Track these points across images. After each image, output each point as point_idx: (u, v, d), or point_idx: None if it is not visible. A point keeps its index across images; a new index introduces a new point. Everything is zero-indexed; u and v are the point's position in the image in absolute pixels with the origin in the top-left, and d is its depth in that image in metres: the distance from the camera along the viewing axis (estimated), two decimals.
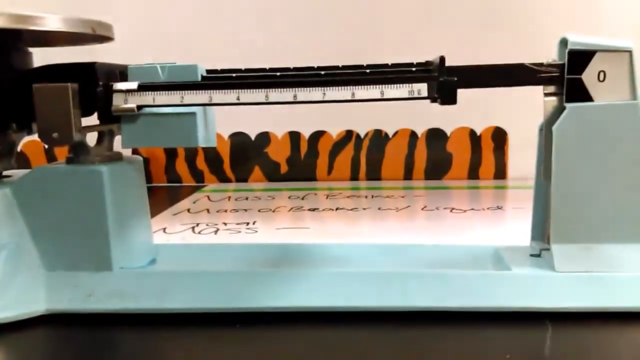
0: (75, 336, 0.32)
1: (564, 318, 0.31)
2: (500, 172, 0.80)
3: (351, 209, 0.61)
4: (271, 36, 0.78)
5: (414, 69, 0.33)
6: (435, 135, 0.80)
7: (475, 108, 0.70)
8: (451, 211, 0.59)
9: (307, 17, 0.78)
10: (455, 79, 0.31)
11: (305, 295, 0.33)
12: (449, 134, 0.80)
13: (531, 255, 0.36)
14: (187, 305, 0.33)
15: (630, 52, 0.32)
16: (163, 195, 0.76)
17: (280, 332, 0.32)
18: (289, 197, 0.69)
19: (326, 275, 0.34)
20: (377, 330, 0.31)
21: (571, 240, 0.33)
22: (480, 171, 0.80)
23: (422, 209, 0.61)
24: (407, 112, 0.77)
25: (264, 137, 0.82)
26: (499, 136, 0.79)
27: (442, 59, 0.32)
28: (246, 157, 0.83)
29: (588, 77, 0.32)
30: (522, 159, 0.77)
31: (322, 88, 0.32)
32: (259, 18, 0.79)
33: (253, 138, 0.83)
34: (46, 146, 0.72)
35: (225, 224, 0.55)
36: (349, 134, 0.81)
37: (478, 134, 0.80)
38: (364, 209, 0.61)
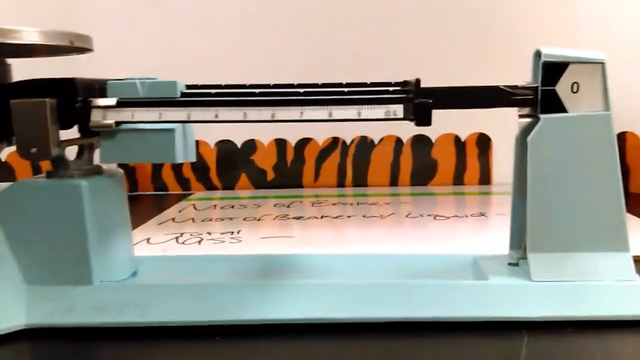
0: (55, 350, 0.32)
1: (540, 327, 0.32)
2: (485, 178, 0.81)
3: (336, 217, 0.62)
4: (253, 50, 0.78)
5: (391, 89, 0.34)
6: (421, 142, 0.81)
7: (460, 115, 0.71)
8: (435, 218, 0.59)
9: (291, 31, 0.79)
10: (431, 101, 0.32)
11: (286, 308, 0.33)
12: (433, 141, 0.81)
13: (509, 264, 0.36)
14: (167, 319, 0.33)
15: (602, 63, 0.33)
16: (149, 204, 0.76)
17: (262, 345, 0.32)
18: (274, 205, 0.69)
19: (306, 287, 0.34)
20: (356, 341, 0.32)
21: (547, 250, 0.33)
22: (465, 177, 0.81)
23: (407, 216, 0.61)
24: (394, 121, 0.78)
25: (250, 145, 0.83)
26: (483, 142, 0.80)
27: (418, 81, 0.32)
28: (232, 164, 0.83)
29: (562, 88, 0.33)
30: (506, 164, 0.78)
31: (300, 107, 0.32)
32: (243, 31, 0.79)
33: (239, 146, 0.83)
34: None
35: (209, 233, 0.56)
36: (335, 140, 0.82)
37: (463, 140, 0.80)
38: (348, 216, 0.62)
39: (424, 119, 0.32)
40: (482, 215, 0.61)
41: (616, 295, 0.32)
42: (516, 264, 0.36)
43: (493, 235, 0.52)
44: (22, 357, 0.32)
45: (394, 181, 0.82)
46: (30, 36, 0.32)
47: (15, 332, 0.33)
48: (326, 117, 0.33)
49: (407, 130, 0.80)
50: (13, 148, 0.36)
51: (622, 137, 0.75)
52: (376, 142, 0.81)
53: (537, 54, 0.34)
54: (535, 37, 0.73)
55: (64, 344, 0.33)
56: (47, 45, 0.34)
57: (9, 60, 0.37)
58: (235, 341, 0.32)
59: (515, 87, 0.33)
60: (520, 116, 0.35)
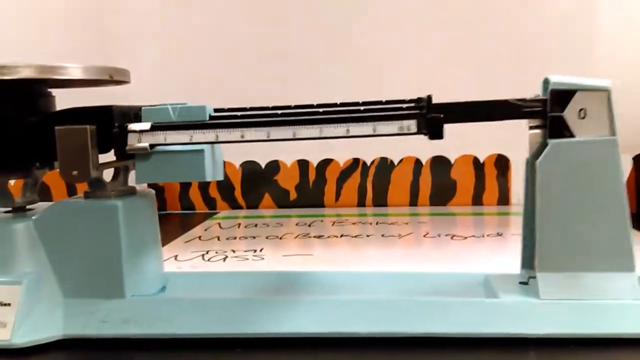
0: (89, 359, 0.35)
1: (547, 344, 0.33)
2: (504, 198, 0.82)
3: (355, 236, 0.63)
4: (278, 75, 0.81)
5: (404, 105, 0.36)
6: (440, 163, 0.82)
7: (478, 136, 0.73)
8: (452, 238, 0.61)
9: (316, 56, 0.81)
10: (442, 115, 0.34)
11: (306, 322, 0.35)
12: (452, 162, 0.82)
13: (520, 282, 0.37)
14: (195, 331, 0.35)
15: (608, 91, 0.34)
16: (176, 223, 0.79)
17: (283, 357, 0.34)
18: (296, 224, 0.72)
19: (324, 303, 0.36)
20: (371, 355, 0.33)
21: (555, 269, 0.34)
22: (484, 197, 0.82)
23: (425, 235, 0.63)
24: (411, 141, 0.80)
25: (274, 166, 0.85)
26: (502, 163, 0.81)
27: (429, 97, 0.34)
28: (257, 184, 0.86)
29: (569, 114, 0.34)
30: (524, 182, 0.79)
31: (319, 125, 0.34)
32: (267, 55, 0.82)
33: (263, 166, 0.85)
34: None
35: (233, 251, 0.58)
36: (355, 161, 0.84)
37: (481, 161, 0.82)
38: (367, 235, 0.64)
39: (436, 133, 0.34)
40: (499, 235, 0.62)
41: (622, 313, 0.33)
42: (526, 283, 0.37)
43: (508, 255, 0.53)
44: None
45: (413, 201, 0.83)
46: (74, 72, 0.35)
47: (53, 342, 0.35)
48: (344, 134, 0.35)
49: (427, 151, 0.82)
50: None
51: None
52: (396, 163, 0.83)
53: (546, 82, 0.35)
54: (549, 54, 0.74)
55: (97, 354, 0.35)
56: (89, 80, 0.37)
57: (53, 91, 0.40)
58: (256, 353, 0.34)
59: (524, 100, 0.35)
60: (530, 127, 0.36)
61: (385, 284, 0.41)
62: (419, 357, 0.33)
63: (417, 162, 0.83)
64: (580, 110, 0.34)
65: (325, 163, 0.84)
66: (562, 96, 0.34)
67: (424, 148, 0.81)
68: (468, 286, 0.39)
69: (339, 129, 0.35)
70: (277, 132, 0.35)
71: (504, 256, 0.54)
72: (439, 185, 0.82)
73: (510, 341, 0.33)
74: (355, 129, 0.35)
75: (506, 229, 0.65)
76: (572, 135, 0.34)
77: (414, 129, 0.34)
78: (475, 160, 0.82)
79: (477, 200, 0.82)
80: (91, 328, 0.36)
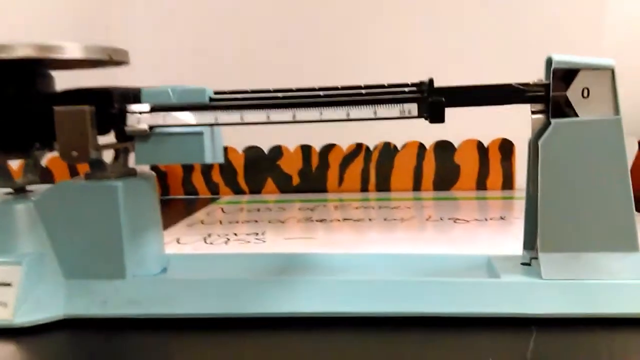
0: (91, 340, 0.35)
1: (549, 324, 0.33)
2: (508, 183, 0.81)
3: (358, 220, 0.63)
4: (280, 53, 0.81)
5: (406, 89, 0.35)
6: (443, 147, 0.82)
7: (482, 120, 0.72)
8: (455, 221, 0.61)
9: (312, 35, 0.81)
10: (443, 99, 0.33)
11: (307, 302, 0.35)
12: (456, 146, 0.82)
13: (522, 263, 0.37)
14: (195, 311, 0.35)
15: (612, 69, 0.34)
16: (179, 207, 0.79)
17: (284, 337, 0.34)
18: (299, 209, 0.71)
19: (326, 283, 0.36)
20: (374, 334, 0.33)
21: (558, 249, 0.34)
22: (488, 182, 0.82)
23: (427, 219, 0.63)
24: (415, 125, 0.79)
25: (277, 151, 0.85)
26: (506, 147, 0.81)
27: (431, 80, 0.34)
28: (259, 169, 0.86)
29: (573, 93, 0.34)
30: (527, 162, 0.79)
31: (319, 108, 0.34)
32: (269, 36, 0.82)
33: (266, 151, 0.85)
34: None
35: (235, 234, 0.58)
36: (358, 146, 0.84)
37: (485, 146, 0.81)
38: (369, 219, 0.63)
39: (437, 117, 0.34)
40: (502, 219, 0.61)
41: (625, 293, 0.33)
42: (529, 264, 0.37)
43: (511, 238, 0.53)
44: (61, 345, 0.35)
45: (417, 186, 0.83)
46: (73, 52, 0.35)
47: (54, 322, 0.36)
48: (344, 117, 0.34)
49: (430, 135, 0.81)
50: (53, 154, 0.39)
51: None
52: (399, 147, 0.83)
53: (549, 61, 0.35)
54: (553, 39, 0.74)
55: (99, 334, 0.35)
56: (88, 60, 0.36)
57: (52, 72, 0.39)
58: (261, 333, 0.34)
59: (527, 84, 0.34)
60: (533, 112, 0.36)
61: (387, 265, 0.40)
62: (421, 337, 0.33)
63: (421, 147, 0.82)
64: (584, 89, 0.34)
65: (328, 148, 0.84)
66: (565, 75, 0.34)
67: (427, 132, 0.81)
68: (470, 267, 0.39)
69: (339, 112, 0.34)
70: (276, 114, 0.35)
71: (506, 239, 0.54)
72: (443, 170, 0.82)
73: (512, 321, 0.33)
74: (356, 112, 0.34)
75: (509, 213, 0.65)
76: (575, 115, 0.34)
77: (414, 112, 0.34)
78: (480, 144, 0.81)
79: (481, 184, 0.82)
80: (92, 308, 0.36)
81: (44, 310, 0.35)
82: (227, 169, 0.86)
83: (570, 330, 0.32)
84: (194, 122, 0.35)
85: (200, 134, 0.36)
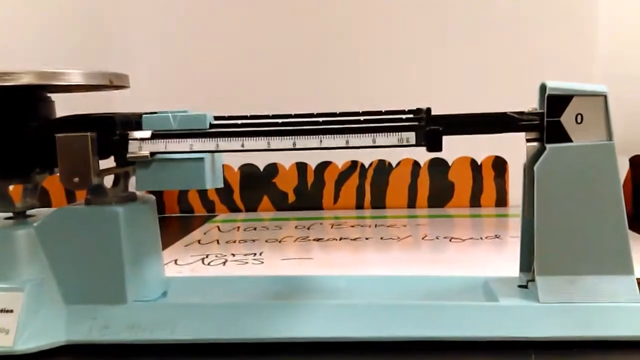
0: None
1: (547, 347, 0.33)
2: (502, 200, 0.82)
3: (355, 239, 0.64)
4: (280, 83, 0.81)
5: (404, 116, 0.36)
6: (437, 165, 0.83)
7: (476, 138, 0.73)
8: (450, 240, 0.61)
9: (310, 59, 0.82)
10: (441, 128, 0.34)
11: (308, 327, 0.35)
12: (450, 164, 0.83)
13: (519, 286, 0.38)
14: (196, 337, 0.36)
15: (605, 96, 0.35)
16: (175, 226, 0.79)
17: None
18: (295, 227, 0.72)
19: (325, 307, 0.36)
20: (372, 359, 0.34)
21: (555, 273, 0.35)
22: (482, 199, 0.82)
23: (423, 238, 0.63)
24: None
25: (272, 168, 0.85)
26: (499, 165, 0.82)
27: (429, 110, 0.35)
28: (255, 187, 0.86)
29: (566, 119, 0.35)
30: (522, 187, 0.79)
31: (319, 136, 0.35)
32: (268, 63, 0.82)
33: (262, 169, 0.86)
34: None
35: (233, 254, 0.58)
36: (354, 164, 0.84)
37: (479, 163, 0.82)
38: (366, 238, 0.64)
39: (434, 146, 0.35)
40: (497, 237, 0.62)
41: (621, 316, 0.33)
42: (525, 286, 0.37)
43: (507, 258, 0.54)
44: None
45: (411, 203, 0.84)
46: (75, 78, 0.35)
47: (56, 348, 0.36)
48: (343, 145, 0.35)
49: (424, 153, 0.81)
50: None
51: (636, 160, 0.76)
52: (394, 165, 0.83)
53: (543, 87, 0.36)
54: (548, 64, 0.75)
55: (100, 359, 0.35)
56: (89, 85, 0.37)
57: (52, 96, 0.40)
58: (259, 358, 0.34)
59: (522, 113, 0.35)
60: (528, 140, 0.37)
61: (385, 287, 0.41)
62: None
63: (415, 164, 0.83)
64: (577, 115, 0.35)
65: (324, 165, 0.85)
66: (559, 101, 0.35)
67: (421, 150, 0.81)
68: (467, 290, 0.39)
69: (339, 140, 0.35)
70: (277, 142, 0.35)
71: (502, 259, 0.54)
72: (437, 187, 0.83)
73: (510, 345, 0.34)
74: (355, 140, 0.35)
75: (504, 231, 0.66)
76: (569, 140, 0.35)
77: (412, 140, 0.35)
78: (473, 162, 0.82)
79: (475, 202, 0.82)
80: (94, 334, 0.36)
81: (46, 337, 0.35)
82: (222, 187, 0.86)
83: (568, 354, 0.33)
84: (195, 149, 0.36)
85: (201, 159, 0.36)
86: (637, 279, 0.34)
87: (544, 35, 0.77)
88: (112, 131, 0.36)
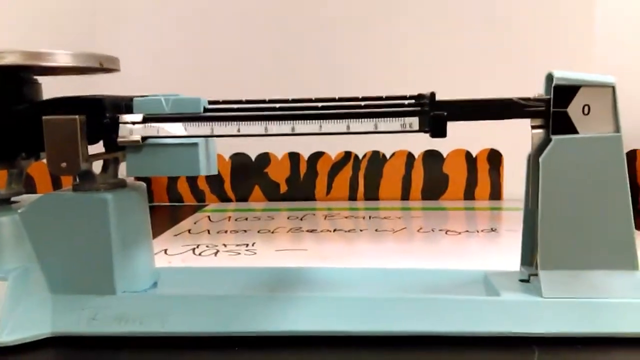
0: (80, 358, 0.34)
1: (551, 343, 0.32)
2: (496, 193, 0.81)
3: (348, 231, 0.63)
4: (275, 64, 0.80)
5: (406, 102, 0.35)
6: (432, 157, 0.82)
7: (471, 130, 0.72)
8: (446, 233, 0.60)
9: (307, 43, 0.80)
10: (445, 113, 0.33)
11: (301, 320, 0.34)
12: (445, 156, 0.82)
13: (520, 280, 0.37)
14: (187, 329, 0.34)
15: (613, 87, 0.34)
16: (165, 215, 0.78)
17: (278, 356, 0.33)
18: (288, 218, 0.71)
19: (320, 300, 0.35)
20: (368, 354, 0.33)
21: (558, 267, 0.34)
22: (476, 192, 0.82)
23: (418, 230, 0.62)
24: (404, 134, 0.79)
25: (264, 158, 0.84)
26: (494, 158, 0.81)
27: (433, 94, 0.33)
28: (246, 177, 0.85)
29: (573, 110, 0.34)
30: (517, 180, 0.79)
31: (319, 121, 0.33)
32: (263, 44, 0.81)
33: (253, 158, 0.84)
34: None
35: (225, 245, 0.57)
36: (347, 155, 0.83)
37: (474, 156, 0.81)
38: (361, 230, 0.63)
39: (439, 131, 0.33)
40: (493, 230, 0.61)
41: (626, 312, 0.33)
42: (527, 281, 0.36)
43: (504, 251, 0.53)
44: None
45: (405, 195, 0.83)
46: (63, 59, 0.34)
47: (41, 340, 0.34)
48: (344, 130, 0.34)
49: (419, 145, 0.81)
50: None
51: (632, 155, 0.76)
52: (388, 156, 0.82)
53: (549, 77, 0.35)
54: (548, 51, 0.74)
55: (87, 352, 0.34)
56: (78, 67, 0.35)
57: (40, 79, 0.38)
58: (253, 352, 0.33)
59: (528, 99, 0.34)
60: (533, 127, 0.36)
61: (382, 280, 0.40)
62: (418, 357, 0.32)
63: (410, 156, 0.82)
64: (584, 106, 0.34)
65: (317, 156, 0.83)
66: (565, 92, 0.34)
67: (416, 142, 0.81)
68: (467, 283, 0.38)
69: (339, 125, 0.34)
70: (275, 126, 0.34)
71: (499, 252, 0.53)
72: (431, 180, 0.82)
73: (512, 340, 0.33)
74: (356, 125, 0.34)
75: (500, 224, 0.65)
76: (575, 132, 0.34)
77: (415, 126, 0.33)
78: (468, 154, 0.81)
79: (469, 194, 0.82)
80: (81, 326, 0.35)
81: (31, 328, 0.34)
82: (213, 176, 0.85)
83: (572, 350, 0.32)
84: (188, 133, 0.34)
85: (195, 145, 0.35)
86: None
87: (549, 21, 0.76)
88: (101, 114, 0.34)
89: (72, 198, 0.36)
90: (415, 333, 0.33)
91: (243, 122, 0.34)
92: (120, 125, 0.35)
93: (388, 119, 0.33)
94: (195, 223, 0.69)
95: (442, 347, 0.33)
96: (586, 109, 0.34)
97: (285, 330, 0.34)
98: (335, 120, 0.34)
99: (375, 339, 0.34)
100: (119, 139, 0.34)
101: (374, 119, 0.33)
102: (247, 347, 0.33)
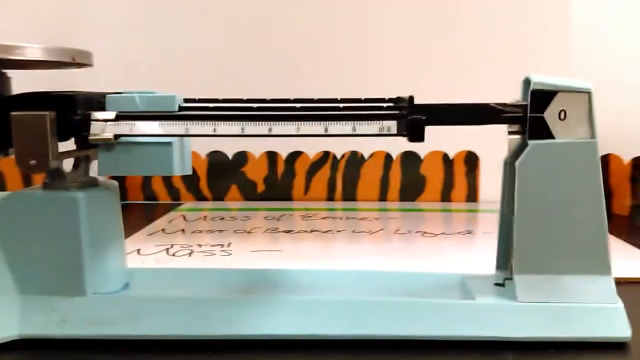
0: None
1: (525, 347, 0.32)
2: (472, 195, 0.82)
3: (326, 231, 0.62)
4: (255, 62, 0.79)
5: (384, 105, 0.34)
6: (410, 158, 0.82)
7: (448, 132, 0.72)
8: (423, 235, 0.60)
9: (286, 41, 0.80)
10: (424, 117, 0.33)
11: (276, 323, 0.34)
12: (422, 157, 0.82)
13: (495, 284, 0.37)
14: (160, 332, 0.34)
15: (589, 92, 0.34)
16: (139, 214, 0.76)
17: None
18: (264, 218, 0.70)
19: (295, 303, 0.34)
20: (342, 358, 0.32)
21: (533, 271, 0.34)
22: (453, 194, 0.82)
23: (395, 232, 0.62)
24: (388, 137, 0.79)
25: (242, 156, 0.83)
26: (471, 160, 0.81)
27: (411, 98, 0.33)
28: (223, 175, 0.84)
29: (550, 115, 0.34)
30: (493, 182, 0.79)
31: (297, 122, 0.33)
32: (243, 43, 0.80)
33: (230, 157, 0.83)
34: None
35: (199, 245, 0.56)
36: (325, 155, 0.83)
37: (451, 158, 0.82)
38: (338, 231, 0.63)
39: (416, 135, 0.33)
40: (469, 232, 0.62)
41: (599, 317, 0.33)
42: (502, 285, 0.37)
43: (479, 254, 0.53)
44: None
45: (383, 196, 0.83)
46: (33, 52, 0.33)
47: (8, 342, 0.33)
48: (322, 132, 0.33)
49: (397, 146, 0.81)
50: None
51: (605, 159, 0.77)
52: (366, 157, 0.82)
53: (527, 82, 0.35)
54: (527, 57, 0.75)
55: (57, 355, 0.33)
56: (49, 61, 0.34)
57: (10, 73, 0.37)
58: (225, 356, 0.33)
59: (505, 105, 0.34)
60: (510, 133, 0.36)
61: (358, 283, 0.40)
62: None
63: (388, 157, 0.82)
64: (561, 111, 0.34)
65: (295, 155, 0.83)
66: (543, 97, 0.34)
67: (394, 143, 0.81)
68: (443, 286, 0.38)
69: (317, 127, 0.33)
70: (252, 127, 0.33)
71: (475, 255, 0.54)
72: (409, 181, 0.82)
73: (487, 344, 0.33)
74: (335, 127, 0.33)
75: (476, 227, 0.65)
76: (552, 137, 0.34)
77: (394, 130, 0.33)
78: (445, 156, 0.82)
79: (446, 196, 0.82)
80: (50, 328, 0.34)
81: None
82: (188, 174, 0.83)
83: (546, 354, 0.32)
84: (163, 132, 0.34)
85: (169, 144, 0.34)
86: (615, 278, 0.34)
87: (526, 26, 0.76)
88: (72, 111, 0.33)
89: (42, 196, 0.35)
90: (389, 337, 0.33)
91: (219, 122, 0.34)
92: (92, 122, 0.34)
93: (367, 122, 0.33)
94: (169, 222, 0.68)
95: (417, 351, 0.33)
96: (562, 114, 0.34)
97: (258, 333, 0.33)
98: (313, 122, 0.33)
99: (349, 342, 0.33)
100: (91, 137, 0.33)
101: (352, 122, 0.33)
102: (220, 350, 0.33)
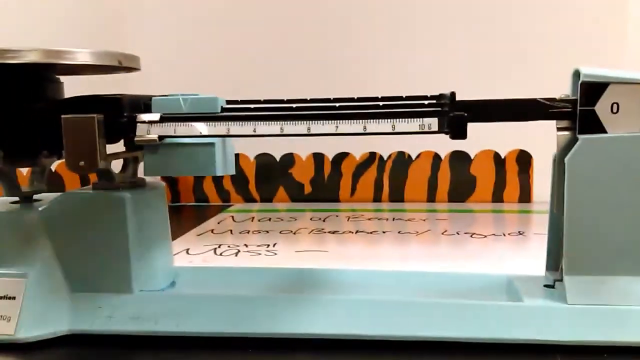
0: (95, 357, 0.34)
1: (575, 351, 0.31)
2: (525, 196, 0.79)
3: (371, 232, 0.62)
4: (295, 64, 0.80)
5: (426, 102, 0.34)
6: (459, 158, 0.80)
7: (500, 131, 0.70)
8: (471, 236, 0.59)
9: (329, 45, 0.80)
10: (466, 114, 0.32)
11: (318, 323, 0.33)
12: (472, 157, 0.80)
13: (545, 285, 0.36)
14: (204, 330, 0.34)
15: None
16: (190, 215, 0.78)
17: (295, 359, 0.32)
18: (310, 219, 0.70)
19: (339, 303, 0.34)
20: (387, 359, 0.32)
21: (584, 273, 0.33)
22: (505, 194, 0.80)
23: (443, 233, 0.61)
24: (430, 134, 0.78)
25: (289, 158, 0.84)
26: (524, 159, 0.79)
27: (453, 94, 0.32)
28: (271, 177, 0.84)
29: (601, 108, 0.32)
30: (547, 182, 0.77)
31: (335, 121, 0.33)
32: (284, 48, 0.81)
33: (278, 159, 0.84)
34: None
35: (246, 245, 0.57)
36: (372, 155, 0.82)
37: (502, 157, 0.79)
38: (383, 232, 0.62)
39: (459, 133, 0.32)
40: (521, 234, 0.60)
41: None
42: (552, 286, 0.35)
43: (531, 256, 0.51)
44: None
45: (431, 197, 0.81)
46: (82, 57, 0.34)
47: (58, 337, 0.34)
48: (361, 131, 0.33)
49: (445, 146, 0.80)
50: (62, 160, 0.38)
51: None
52: (413, 157, 0.81)
53: (576, 74, 0.33)
54: (574, 52, 0.72)
55: (103, 350, 0.34)
56: (98, 66, 0.35)
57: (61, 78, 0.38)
58: (267, 354, 0.33)
59: (554, 99, 0.33)
60: (559, 129, 0.34)
61: (403, 283, 0.39)
62: None
63: (436, 157, 0.81)
64: (613, 104, 0.32)
65: (341, 157, 0.83)
66: (593, 89, 0.32)
67: (442, 142, 0.79)
68: (490, 288, 0.37)
69: (356, 126, 0.33)
70: (290, 127, 0.33)
71: (526, 257, 0.52)
72: (458, 181, 0.80)
73: (534, 348, 0.31)
74: (373, 126, 0.33)
75: (528, 228, 0.63)
76: (603, 131, 0.32)
77: (435, 127, 0.32)
78: (496, 155, 0.80)
79: (498, 197, 0.80)
80: (98, 324, 0.35)
81: (48, 325, 0.34)
82: (238, 176, 0.85)
83: (597, 359, 0.31)
84: (205, 133, 0.34)
85: (212, 145, 0.35)
86: None
87: (575, 20, 0.74)
88: (119, 113, 0.34)
89: (91, 196, 0.36)
90: (434, 338, 0.33)
91: (259, 122, 0.34)
92: (138, 124, 0.35)
93: (406, 119, 0.32)
94: (219, 223, 0.69)
95: (462, 354, 0.32)
96: (615, 107, 0.32)
97: (300, 332, 0.33)
98: (352, 121, 0.33)
99: (393, 343, 0.33)
100: (136, 138, 0.34)
101: (392, 120, 0.33)
102: (262, 349, 0.33)
